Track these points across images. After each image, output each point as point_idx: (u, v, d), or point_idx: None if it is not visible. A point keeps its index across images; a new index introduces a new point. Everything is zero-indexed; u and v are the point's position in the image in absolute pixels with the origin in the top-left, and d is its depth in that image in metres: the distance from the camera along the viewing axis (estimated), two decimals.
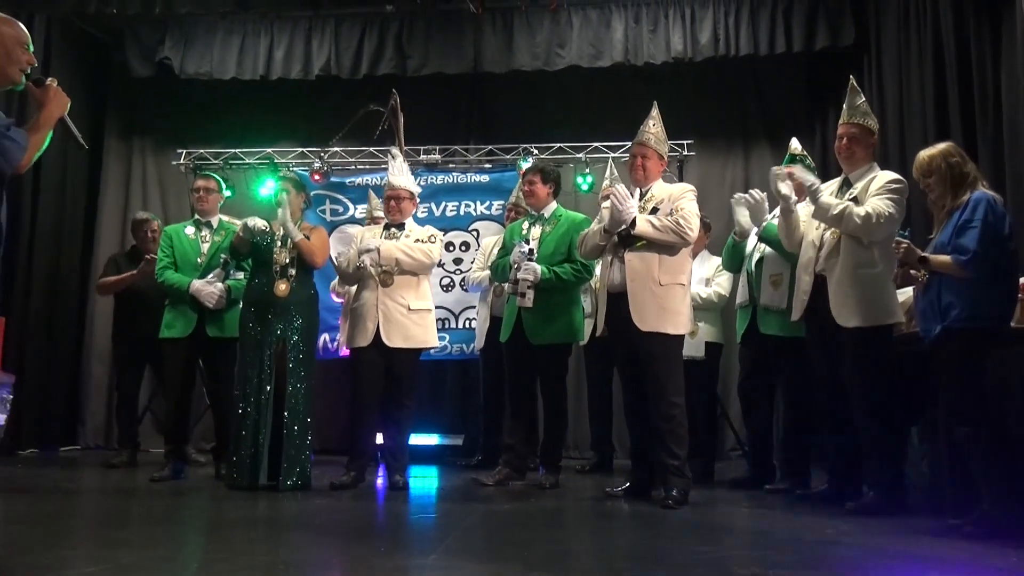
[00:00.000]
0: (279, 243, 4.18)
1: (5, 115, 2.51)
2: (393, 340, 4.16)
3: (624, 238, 3.73)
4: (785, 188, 3.73)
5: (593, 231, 3.93)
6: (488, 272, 5.10)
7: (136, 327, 5.14)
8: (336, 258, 4.50)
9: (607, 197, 4.61)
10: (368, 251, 4.16)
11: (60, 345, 6.30)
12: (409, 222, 4.42)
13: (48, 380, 6.16)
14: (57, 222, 6.30)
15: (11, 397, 5.48)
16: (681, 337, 3.75)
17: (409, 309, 4.22)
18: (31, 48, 2.62)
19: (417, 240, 4.32)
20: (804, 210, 3.81)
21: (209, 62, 6.42)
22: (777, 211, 4.28)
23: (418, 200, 4.62)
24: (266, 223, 4.15)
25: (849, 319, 3.49)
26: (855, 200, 3.57)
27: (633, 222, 3.68)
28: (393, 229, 4.37)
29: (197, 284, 4.39)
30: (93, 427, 6.50)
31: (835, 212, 3.51)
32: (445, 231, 6.12)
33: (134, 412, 5.42)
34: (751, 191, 4.23)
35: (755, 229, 4.24)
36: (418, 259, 4.27)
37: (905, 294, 3.75)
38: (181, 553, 2.68)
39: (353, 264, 4.22)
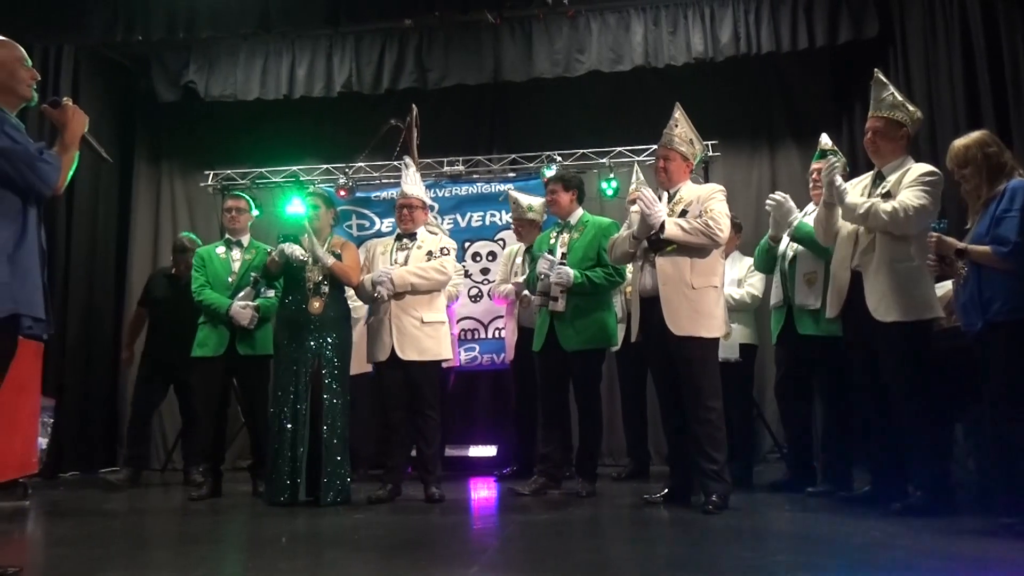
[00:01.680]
0: (311, 260, 4.21)
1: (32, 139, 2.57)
2: (407, 353, 4.16)
3: (654, 242, 3.71)
4: (839, 180, 3.61)
5: (622, 237, 3.91)
6: (511, 286, 5.10)
7: (163, 348, 5.21)
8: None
9: (635, 201, 4.61)
10: (381, 282, 4.16)
11: (97, 367, 6.38)
12: (420, 231, 4.41)
13: (87, 403, 6.24)
14: (90, 246, 6.40)
15: (52, 421, 5.60)
16: (716, 340, 3.71)
17: (423, 322, 4.22)
18: (30, 63, 2.67)
19: (429, 253, 4.31)
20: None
21: (233, 84, 6.50)
22: (808, 208, 4.24)
23: (429, 210, 4.62)
24: (303, 252, 4.15)
25: (887, 314, 3.42)
26: (888, 194, 3.51)
27: (662, 226, 3.65)
28: (405, 240, 4.37)
29: (236, 307, 4.43)
30: None
31: (861, 211, 3.46)
32: (471, 241, 6.15)
33: (145, 431, 5.44)
34: (772, 194, 4.18)
35: (787, 229, 4.18)
36: (433, 279, 4.27)
37: (944, 288, 3.68)
38: (224, 572, 2.69)
39: (367, 291, 4.24)
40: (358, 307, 4.82)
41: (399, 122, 5.75)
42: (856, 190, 3.72)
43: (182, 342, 4.81)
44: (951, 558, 2.56)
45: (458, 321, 5.88)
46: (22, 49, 2.67)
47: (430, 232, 4.54)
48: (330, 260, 4.15)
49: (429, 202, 4.53)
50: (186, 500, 4.35)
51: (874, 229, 3.47)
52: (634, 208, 4.09)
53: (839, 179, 3.61)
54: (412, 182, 4.43)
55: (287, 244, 4.14)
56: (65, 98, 2.68)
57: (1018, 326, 2.87)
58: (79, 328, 6.22)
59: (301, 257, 4.13)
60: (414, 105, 5.78)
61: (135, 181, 6.93)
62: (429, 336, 4.23)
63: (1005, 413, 2.99)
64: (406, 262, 4.28)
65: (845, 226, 3.70)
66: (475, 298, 6.00)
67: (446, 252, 4.36)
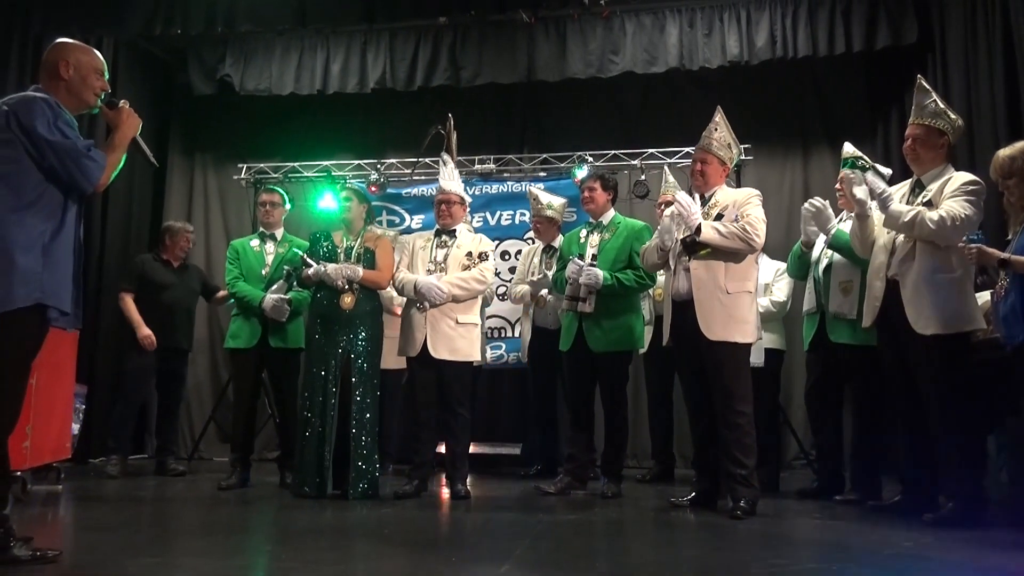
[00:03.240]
0: (343, 256, 4.25)
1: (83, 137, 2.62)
2: (439, 352, 4.18)
3: (689, 245, 3.70)
4: (860, 193, 3.62)
5: (651, 248, 3.90)
6: (526, 287, 5.12)
7: (158, 337, 5.14)
8: (394, 278, 4.43)
9: (666, 204, 4.60)
10: (428, 297, 4.17)
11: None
12: (461, 229, 4.44)
13: (117, 391, 6.32)
14: (124, 237, 6.49)
15: (84, 407, 5.69)
16: (749, 345, 3.70)
17: (457, 322, 4.24)
18: (107, 75, 2.74)
19: (468, 253, 4.33)
20: (877, 215, 3.72)
21: (268, 78, 6.56)
22: (844, 215, 4.20)
23: (468, 206, 4.64)
24: (342, 284, 4.15)
25: (927, 326, 3.38)
26: (929, 203, 3.46)
27: (698, 229, 3.63)
28: (444, 236, 4.39)
29: (270, 300, 4.48)
30: None
31: (907, 219, 3.41)
32: (500, 240, 6.16)
33: (131, 419, 5.40)
34: (812, 200, 4.14)
35: (823, 236, 4.14)
36: (474, 289, 4.30)
37: (980, 299, 3.63)
38: (259, 562, 2.73)
39: (409, 293, 4.25)
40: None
41: (442, 128, 5.78)
42: (896, 197, 3.69)
43: (174, 333, 4.86)
44: (985, 571, 2.54)
45: (486, 319, 5.89)
46: (103, 60, 2.76)
47: (468, 230, 4.57)
48: (360, 274, 4.18)
49: (467, 198, 4.55)
50: (215, 490, 4.41)
51: (920, 238, 3.42)
52: (667, 212, 4.09)
53: (881, 184, 3.57)
54: (450, 178, 4.46)
55: (324, 272, 4.15)
56: (122, 100, 2.73)
57: None
58: (111, 317, 6.30)
59: (341, 285, 4.14)
60: (450, 114, 5.80)
61: (169, 173, 7.02)
62: (462, 337, 4.26)
63: None
64: (445, 260, 4.31)
65: (881, 234, 3.66)
66: (502, 297, 6.02)
67: (485, 258, 4.37)
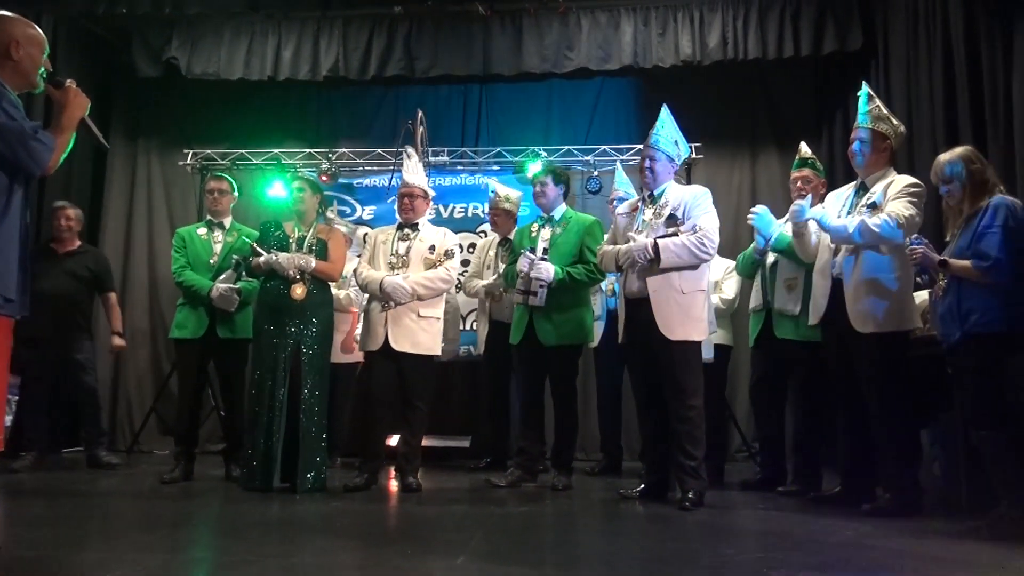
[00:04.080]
0: (295, 246, 4.19)
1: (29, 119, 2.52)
2: (400, 344, 4.16)
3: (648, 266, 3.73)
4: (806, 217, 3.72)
5: (609, 255, 3.91)
6: (481, 285, 5.12)
7: (42, 330, 4.80)
8: (357, 274, 4.42)
9: (618, 200, 4.66)
10: (395, 297, 4.14)
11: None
12: (423, 223, 4.41)
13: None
14: None
15: (16, 398, 5.48)
16: (701, 341, 3.77)
17: (418, 315, 4.22)
18: (47, 54, 2.64)
19: (432, 247, 4.31)
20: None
21: (216, 62, 6.40)
22: (787, 219, 4.32)
23: (430, 200, 4.62)
24: (292, 273, 4.10)
25: (866, 325, 3.50)
26: (873, 205, 3.58)
27: (657, 254, 3.66)
28: (407, 230, 4.37)
29: (220, 289, 4.38)
30: None
31: (851, 232, 3.51)
32: (453, 233, 6.12)
33: (38, 415, 5.08)
34: (752, 210, 4.23)
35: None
36: (438, 288, 4.28)
37: (918, 298, 3.78)
38: (211, 555, 2.68)
39: (373, 291, 4.21)
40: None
41: (410, 123, 5.72)
42: (837, 202, 3.81)
43: (55, 322, 4.71)
44: (923, 558, 2.64)
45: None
46: (46, 40, 2.65)
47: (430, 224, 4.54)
48: (312, 265, 4.12)
49: (431, 192, 4.51)
50: (158, 483, 4.31)
51: (868, 246, 3.53)
52: (620, 209, 4.14)
53: (816, 211, 3.68)
54: (414, 171, 4.42)
55: (276, 261, 4.09)
56: (68, 80, 2.63)
57: (993, 338, 2.97)
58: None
59: (292, 275, 4.08)
60: (420, 110, 5.76)
61: (110, 158, 6.79)
62: (424, 330, 4.23)
63: (977, 421, 3.09)
64: (407, 253, 4.27)
65: (825, 235, 3.77)
66: (458, 288, 6.00)
67: (451, 255, 4.34)
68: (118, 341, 5.20)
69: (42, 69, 2.62)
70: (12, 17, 2.60)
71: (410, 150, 4.61)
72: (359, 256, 4.63)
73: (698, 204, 3.79)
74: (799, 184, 4.34)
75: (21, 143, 2.42)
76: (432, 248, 4.30)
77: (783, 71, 6.47)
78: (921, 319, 3.72)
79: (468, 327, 5.98)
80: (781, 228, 4.19)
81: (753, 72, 6.49)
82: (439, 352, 4.41)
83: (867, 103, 3.78)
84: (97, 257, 5.36)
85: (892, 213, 3.44)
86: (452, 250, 4.36)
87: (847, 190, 3.85)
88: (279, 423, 4.01)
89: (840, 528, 3.13)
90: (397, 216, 4.47)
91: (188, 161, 6.45)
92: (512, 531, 3.19)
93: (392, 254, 4.27)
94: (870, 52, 5.92)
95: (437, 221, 6.00)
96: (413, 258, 4.26)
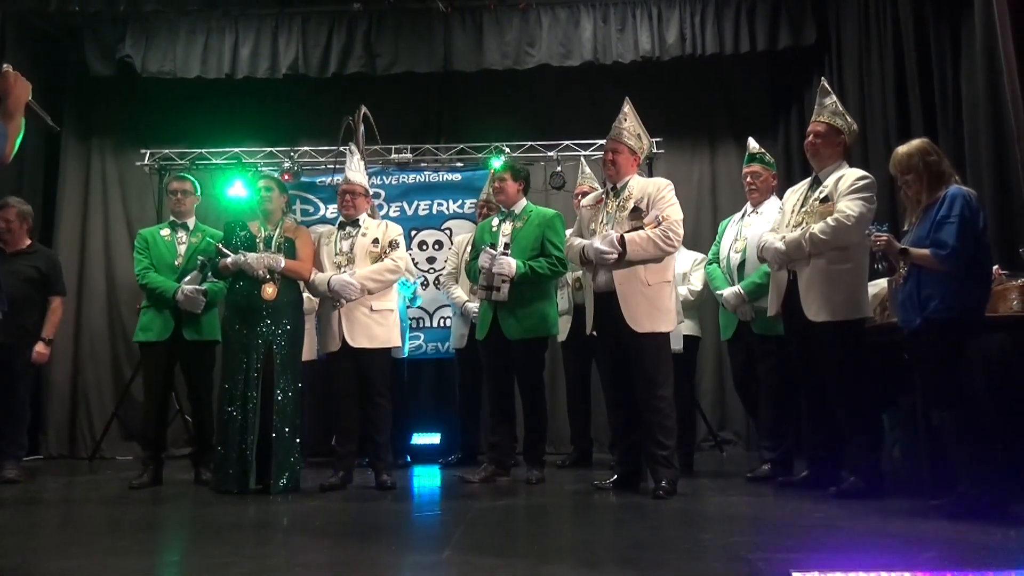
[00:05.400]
0: (262, 246, 4.15)
1: None
2: (358, 340, 4.15)
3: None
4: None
5: (575, 251, 3.94)
6: (465, 298, 5.12)
7: None
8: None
9: (583, 195, 4.71)
10: (345, 295, 4.13)
11: None
12: (363, 218, 4.38)
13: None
14: None
15: None
16: (669, 332, 3.84)
17: (372, 310, 4.22)
18: None
19: (375, 240, 4.30)
20: (758, 228, 4.04)
21: (172, 60, 6.29)
22: (747, 209, 4.46)
23: (371, 199, 4.61)
24: (262, 273, 4.06)
25: (819, 315, 3.63)
26: (826, 199, 3.70)
27: (624, 248, 3.71)
28: (348, 227, 4.35)
29: (186, 291, 4.32)
30: (56, 435, 6.34)
31: (805, 248, 3.63)
32: (418, 230, 6.14)
33: None
34: (726, 299, 4.37)
35: (734, 231, 4.35)
36: (387, 280, 4.27)
37: (878, 286, 3.90)
38: (189, 559, 2.66)
39: (323, 292, 4.20)
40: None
41: (352, 119, 5.69)
42: (792, 196, 3.93)
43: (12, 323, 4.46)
44: (890, 536, 2.74)
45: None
46: None
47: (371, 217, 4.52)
48: (282, 264, 4.09)
49: (371, 190, 4.50)
50: (126, 489, 4.23)
51: (822, 251, 3.63)
52: (584, 201, 4.19)
53: (766, 239, 3.85)
54: (355, 169, 4.41)
55: (245, 261, 4.05)
56: (6, 65, 2.58)
57: (952, 323, 3.08)
58: None
59: (262, 275, 4.05)
60: (363, 105, 5.73)
61: (63, 157, 6.64)
62: (379, 323, 4.23)
63: (936, 405, 3.21)
64: (352, 250, 4.26)
65: (781, 227, 3.88)
66: (422, 286, 6.00)
67: (396, 246, 4.33)
68: (41, 349, 4.82)
69: None
70: None
71: (352, 147, 4.60)
72: None
73: (662, 196, 3.85)
74: (749, 179, 4.46)
75: None
76: (375, 241, 4.30)
77: (740, 66, 6.60)
78: (880, 307, 3.85)
79: (436, 324, 5.98)
80: (741, 225, 4.31)
81: (711, 68, 6.60)
82: (398, 343, 4.42)
83: (824, 97, 3.91)
84: (48, 258, 5.10)
85: (840, 214, 3.57)
86: (396, 240, 4.35)
87: (801, 187, 3.97)
88: (252, 425, 3.98)
89: (809, 511, 3.23)
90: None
91: (146, 161, 6.32)
92: (492, 524, 3.21)
93: (337, 253, 4.27)
94: (823, 47, 6.08)
95: (402, 218, 6.01)
96: (358, 254, 4.25)
